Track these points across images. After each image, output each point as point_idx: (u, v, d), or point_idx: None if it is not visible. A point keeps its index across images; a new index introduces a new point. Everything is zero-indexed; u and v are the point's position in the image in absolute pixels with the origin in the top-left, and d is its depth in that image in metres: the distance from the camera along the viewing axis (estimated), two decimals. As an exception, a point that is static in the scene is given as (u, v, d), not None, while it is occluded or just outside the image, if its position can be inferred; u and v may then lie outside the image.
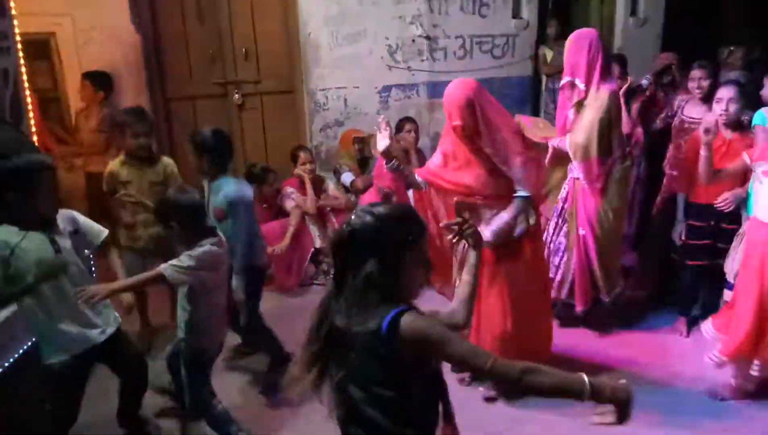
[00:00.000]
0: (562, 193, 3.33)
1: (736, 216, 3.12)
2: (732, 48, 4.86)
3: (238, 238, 2.75)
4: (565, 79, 3.15)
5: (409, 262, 1.39)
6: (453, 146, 2.63)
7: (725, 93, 3.07)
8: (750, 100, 3.14)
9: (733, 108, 3.05)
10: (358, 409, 1.39)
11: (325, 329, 1.40)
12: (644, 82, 4.11)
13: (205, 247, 2.30)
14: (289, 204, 4.36)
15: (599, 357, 3.23)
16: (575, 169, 3.18)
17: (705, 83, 3.58)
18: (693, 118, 3.62)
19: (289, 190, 4.40)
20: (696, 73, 3.63)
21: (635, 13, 6.05)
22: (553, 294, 3.29)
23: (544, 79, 5.70)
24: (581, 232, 3.24)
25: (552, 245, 3.37)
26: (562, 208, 3.33)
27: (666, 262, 3.73)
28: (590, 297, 3.36)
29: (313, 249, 4.36)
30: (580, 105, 3.13)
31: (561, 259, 3.34)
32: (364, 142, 4.70)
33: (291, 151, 4.49)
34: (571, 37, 3.15)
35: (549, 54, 5.61)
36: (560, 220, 3.35)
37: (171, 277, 2.25)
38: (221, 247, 2.40)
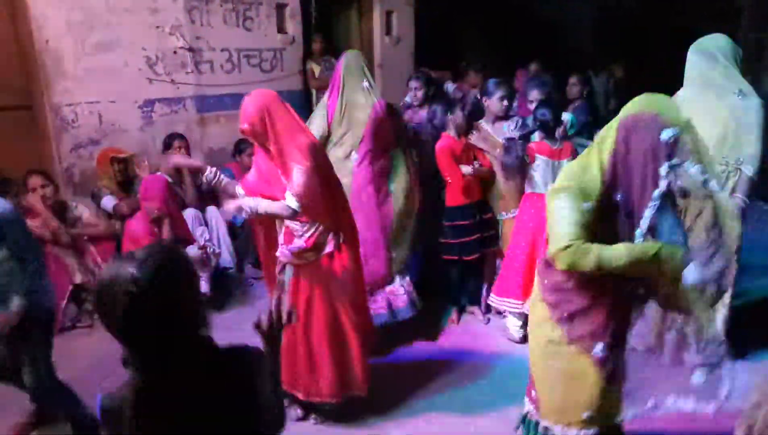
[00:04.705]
0: None
1: (487, 205, 3.64)
2: (464, 64, 5.66)
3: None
4: None
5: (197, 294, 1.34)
6: (263, 160, 2.58)
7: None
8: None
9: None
10: None
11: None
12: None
13: None
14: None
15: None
16: None
17: (420, 93, 4.15)
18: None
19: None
20: (412, 83, 4.19)
21: (390, 32, 6.56)
22: None
23: (314, 93, 5.84)
24: None
25: None
26: None
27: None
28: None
29: (71, 286, 3.77)
30: None
31: None
32: (126, 161, 4.25)
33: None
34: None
35: (316, 69, 5.77)
36: None
37: None
38: None
